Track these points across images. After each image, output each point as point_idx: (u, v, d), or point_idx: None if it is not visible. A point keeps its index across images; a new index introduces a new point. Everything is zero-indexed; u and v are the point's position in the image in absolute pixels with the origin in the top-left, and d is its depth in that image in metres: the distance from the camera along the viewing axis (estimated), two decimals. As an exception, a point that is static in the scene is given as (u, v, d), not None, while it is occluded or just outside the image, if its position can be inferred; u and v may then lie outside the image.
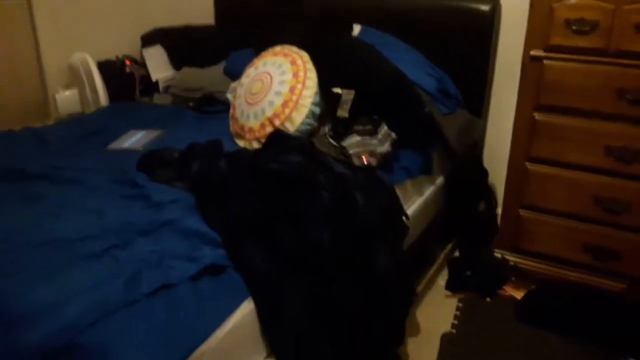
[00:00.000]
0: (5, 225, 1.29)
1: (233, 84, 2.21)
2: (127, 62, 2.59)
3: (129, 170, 1.63)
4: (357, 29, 2.42)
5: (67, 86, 2.53)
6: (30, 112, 2.50)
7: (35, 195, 1.47)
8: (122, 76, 2.59)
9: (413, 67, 2.09)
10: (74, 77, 2.49)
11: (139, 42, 2.79)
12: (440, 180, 2.12)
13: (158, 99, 2.56)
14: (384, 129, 1.83)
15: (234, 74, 2.41)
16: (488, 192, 2.38)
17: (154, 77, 2.60)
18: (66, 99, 2.44)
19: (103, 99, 2.43)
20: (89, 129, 2.10)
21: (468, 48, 2.26)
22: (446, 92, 2.14)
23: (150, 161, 1.68)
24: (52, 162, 1.71)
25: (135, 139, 1.99)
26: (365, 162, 1.70)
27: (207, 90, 2.46)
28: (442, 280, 2.15)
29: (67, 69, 2.51)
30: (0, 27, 2.32)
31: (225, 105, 2.23)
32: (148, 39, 2.73)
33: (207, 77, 2.56)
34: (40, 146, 1.93)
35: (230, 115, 2.07)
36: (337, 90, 1.86)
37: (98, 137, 2.01)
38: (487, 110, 2.44)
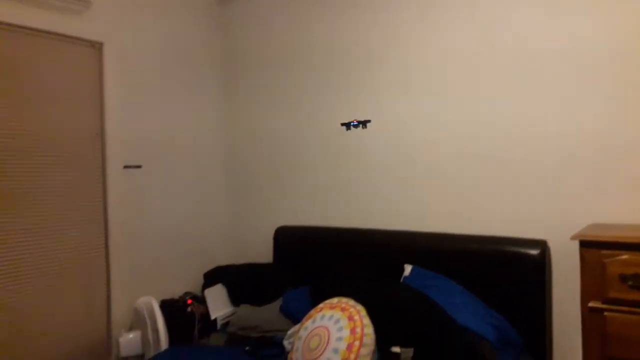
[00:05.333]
0: None
1: (290, 331, 2.25)
2: (189, 302, 2.72)
3: None
4: (408, 268, 2.50)
5: (131, 327, 2.65)
6: (93, 352, 2.59)
7: None
8: (183, 315, 2.70)
9: (471, 315, 2.08)
10: (138, 319, 2.61)
11: (201, 279, 2.97)
12: None
13: (215, 338, 2.61)
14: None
15: (289, 314, 2.51)
16: None
17: (213, 316, 2.70)
18: (129, 342, 2.53)
19: (164, 340, 2.50)
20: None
21: (521, 292, 2.25)
22: (508, 341, 2.09)
23: None
24: None
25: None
26: None
27: (263, 329, 2.50)
28: None
29: (132, 311, 2.64)
30: (81, 269, 2.54)
31: (281, 349, 2.25)
32: (210, 276, 2.91)
33: (264, 315, 2.63)
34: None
35: (287, 367, 2.07)
36: (396, 349, 1.85)
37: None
38: (551, 358, 2.33)
